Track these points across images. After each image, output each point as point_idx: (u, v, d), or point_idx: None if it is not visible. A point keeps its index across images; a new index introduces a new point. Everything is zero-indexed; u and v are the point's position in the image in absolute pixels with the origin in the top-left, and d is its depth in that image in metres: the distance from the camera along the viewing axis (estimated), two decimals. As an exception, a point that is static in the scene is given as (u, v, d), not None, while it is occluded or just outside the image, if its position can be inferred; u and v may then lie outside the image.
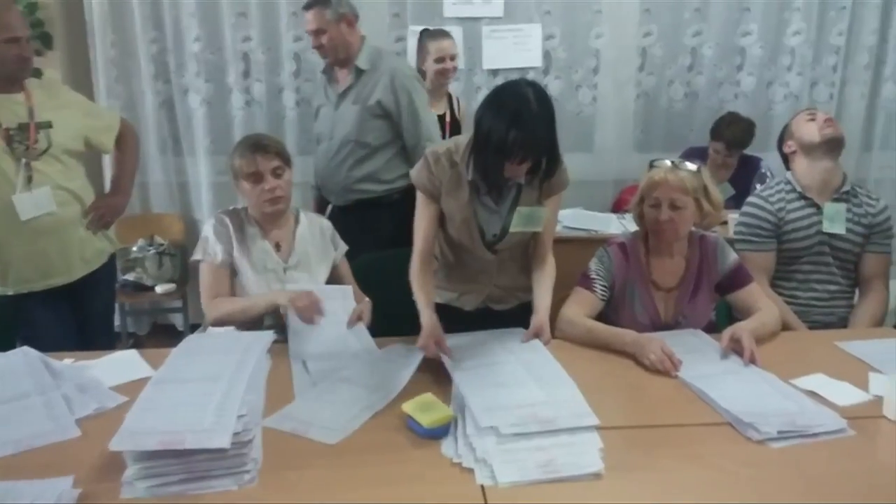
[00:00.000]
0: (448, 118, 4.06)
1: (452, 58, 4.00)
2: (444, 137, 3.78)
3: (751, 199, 3.05)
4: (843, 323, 2.96)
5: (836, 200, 2.90)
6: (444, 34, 4.04)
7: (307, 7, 3.45)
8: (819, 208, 2.90)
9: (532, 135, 2.16)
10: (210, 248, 2.57)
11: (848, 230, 2.89)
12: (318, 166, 3.67)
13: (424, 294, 2.41)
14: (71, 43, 4.51)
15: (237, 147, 2.61)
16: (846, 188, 2.91)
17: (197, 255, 2.59)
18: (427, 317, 2.32)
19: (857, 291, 3.01)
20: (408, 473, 1.69)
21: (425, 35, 4.06)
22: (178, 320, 4.99)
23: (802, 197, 2.92)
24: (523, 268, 2.62)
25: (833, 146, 2.87)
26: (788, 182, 2.96)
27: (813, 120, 2.91)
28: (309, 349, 2.35)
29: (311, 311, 2.41)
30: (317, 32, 3.43)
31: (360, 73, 3.46)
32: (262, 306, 2.48)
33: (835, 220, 2.88)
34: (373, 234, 3.36)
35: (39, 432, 1.84)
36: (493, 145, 2.18)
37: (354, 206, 3.56)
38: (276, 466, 1.71)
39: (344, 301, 2.57)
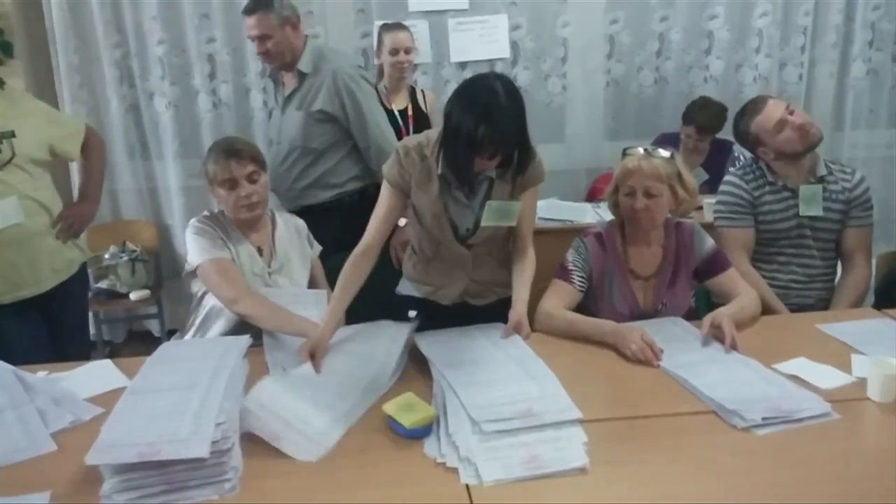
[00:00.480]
0: (410, 112, 4.00)
1: (407, 51, 3.92)
2: (406, 133, 3.73)
3: (728, 177, 3.05)
4: (822, 305, 2.97)
5: (812, 183, 2.90)
6: (399, 27, 3.97)
7: (249, 12, 3.33)
8: (794, 192, 2.90)
9: (501, 129, 2.15)
10: (207, 246, 2.49)
11: (826, 209, 2.90)
12: (270, 170, 3.54)
13: (343, 293, 2.34)
14: (32, 50, 4.43)
15: (210, 153, 2.56)
16: (821, 172, 2.91)
17: (195, 261, 2.50)
18: (326, 323, 2.27)
19: (837, 272, 3.02)
20: (391, 475, 1.68)
21: (382, 28, 3.99)
22: (154, 326, 4.94)
23: (776, 183, 2.92)
24: (501, 263, 2.60)
25: (814, 146, 2.87)
26: (761, 169, 2.96)
27: (782, 130, 2.84)
28: (285, 358, 2.29)
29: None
30: (262, 38, 3.33)
31: (302, 76, 3.39)
32: (292, 331, 2.36)
33: (811, 202, 2.88)
34: (324, 239, 3.07)
35: (14, 448, 1.81)
36: (463, 140, 2.16)
37: (303, 212, 3.38)
38: (257, 473, 1.68)
39: (318, 306, 2.53)
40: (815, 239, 2.94)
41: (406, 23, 4.14)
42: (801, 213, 2.89)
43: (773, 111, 2.87)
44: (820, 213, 2.89)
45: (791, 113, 2.85)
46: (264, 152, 2.69)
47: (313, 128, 3.36)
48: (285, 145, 3.47)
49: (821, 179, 2.91)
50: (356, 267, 2.38)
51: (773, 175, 2.92)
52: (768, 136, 2.87)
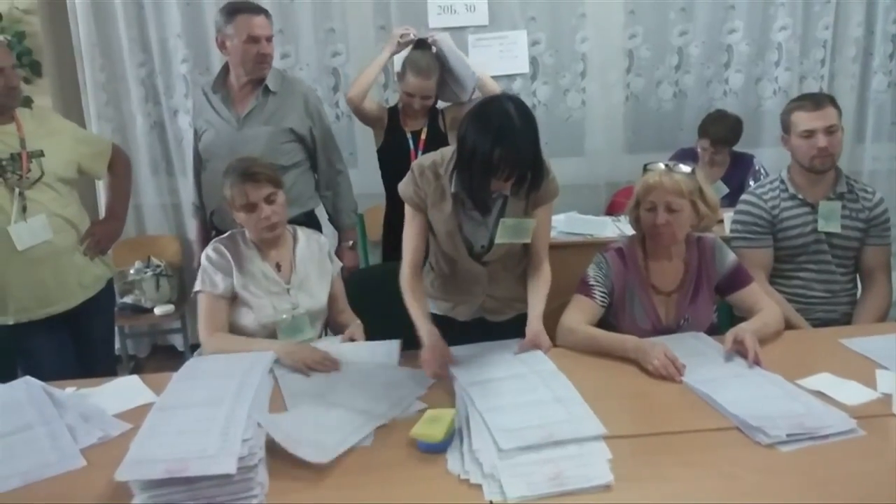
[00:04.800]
0: (424, 135, 3.64)
1: (425, 97, 3.54)
2: (416, 155, 3.53)
3: (745, 196, 3.05)
4: (845, 319, 2.96)
5: (832, 199, 2.90)
6: (426, 72, 3.50)
7: (256, 11, 3.23)
8: (814, 207, 2.90)
9: (516, 151, 2.16)
10: (209, 279, 2.56)
11: (845, 227, 2.89)
12: (211, 188, 3.41)
13: (419, 305, 2.42)
14: (60, 69, 4.51)
15: (228, 175, 2.59)
16: (841, 189, 2.91)
17: (197, 286, 2.59)
18: (426, 330, 2.34)
19: (858, 286, 3.00)
20: (415, 491, 1.68)
21: (408, 62, 3.55)
22: (177, 341, 4.98)
23: (796, 197, 2.92)
24: (518, 278, 2.61)
25: (818, 171, 2.87)
26: (783, 181, 2.96)
27: (811, 137, 2.83)
28: (297, 385, 2.29)
29: (325, 366, 2.35)
30: (269, 39, 3.27)
31: (268, 93, 3.33)
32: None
33: (830, 218, 2.87)
34: None
35: (45, 463, 1.83)
36: (479, 163, 2.18)
37: None
38: (283, 489, 1.70)
39: (388, 356, 2.53)
40: (834, 255, 2.93)
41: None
42: (819, 229, 2.88)
43: (815, 120, 2.84)
44: (838, 230, 2.88)
45: (829, 133, 2.82)
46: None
47: (282, 146, 3.31)
48: None
49: (841, 196, 2.91)
50: (416, 285, 2.49)
51: (794, 188, 2.92)
52: (794, 133, 2.88)
